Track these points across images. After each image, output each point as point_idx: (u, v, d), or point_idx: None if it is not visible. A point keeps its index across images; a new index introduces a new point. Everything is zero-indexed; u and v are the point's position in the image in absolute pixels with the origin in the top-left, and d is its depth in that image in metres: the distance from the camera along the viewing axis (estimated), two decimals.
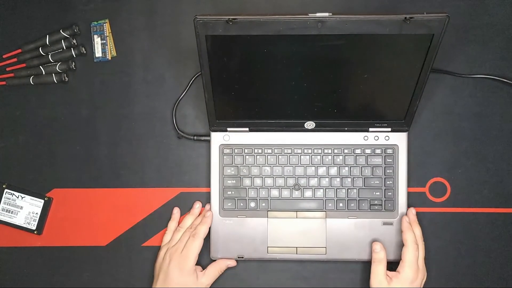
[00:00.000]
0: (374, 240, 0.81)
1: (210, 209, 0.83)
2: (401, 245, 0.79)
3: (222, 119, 0.81)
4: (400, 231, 0.80)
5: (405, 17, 0.64)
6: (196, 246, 0.79)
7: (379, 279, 0.77)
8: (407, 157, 0.83)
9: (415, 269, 0.77)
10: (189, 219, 0.84)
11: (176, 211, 0.85)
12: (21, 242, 0.86)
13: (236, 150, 0.83)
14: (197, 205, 0.85)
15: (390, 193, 0.82)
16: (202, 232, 0.80)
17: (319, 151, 0.83)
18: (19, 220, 0.85)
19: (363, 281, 0.84)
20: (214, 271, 0.82)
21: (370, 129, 0.82)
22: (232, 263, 0.83)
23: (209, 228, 0.82)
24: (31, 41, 0.87)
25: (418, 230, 0.80)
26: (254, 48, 0.69)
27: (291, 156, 0.83)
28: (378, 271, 0.78)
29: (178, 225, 0.84)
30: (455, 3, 0.86)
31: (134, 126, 0.87)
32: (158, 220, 0.85)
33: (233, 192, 0.83)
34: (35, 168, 0.87)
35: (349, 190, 0.82)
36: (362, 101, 0.78)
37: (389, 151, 0.83)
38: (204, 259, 0.84)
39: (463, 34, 0.86)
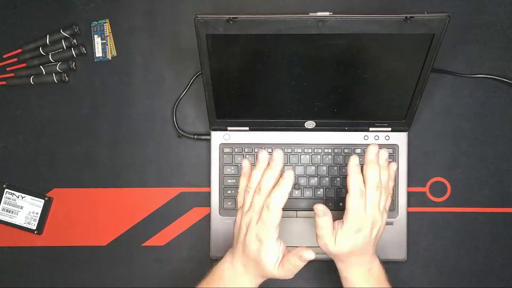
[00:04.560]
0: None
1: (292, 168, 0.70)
2: (401, 245, 0.80)
3: (222, 118, 0.81)
4: (400, 230, 0.80)
5: (406, 17, 0.64)
6: (272, 220, 0.64)
7: (326, 232, 0.69)
8: (407, 157, 0.83)
9: (359, 216, 0.67)
10: (255, 175, 0.68)
11: (245, 165, 0.71)
12: (21, 242, 0.85)
13: (236, 149, 0.83)
14: (262, 155, 0.68)
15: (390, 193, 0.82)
16: (277, 201, 0.64)
17: (319, 150, 0.83)
18: (19, 220, 0.85)
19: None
20: (289, 267, 0.67)
21: (370, 129, 0.82)
22: (308, 255, 0.65)
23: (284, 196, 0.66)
24: (31, 41, 0.87)
25: (382, 175, 0.70)
26: (254, 47, 0.69)
27: (291, 156, 0.83)
28: (324, 223, 0.69)
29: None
30: (455, 3, 0.86)
31: (134, 126, 0.87)
32: (158, 220, 0.85)
33: (233, 192, 0.83)
34: (35, 168, 0.87)
35: None
36: (362, 101, 0.78)
37: (389, 150, 0.82)
38: (204, 259, 0.84)
39: (463, 34, 0.86)
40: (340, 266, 0.72)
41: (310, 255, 0.65)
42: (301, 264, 0.66)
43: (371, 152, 0.70)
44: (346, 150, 0.83)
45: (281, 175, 0.67)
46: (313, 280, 0.84)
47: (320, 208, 0.69)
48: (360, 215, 0.68)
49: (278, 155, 0.67)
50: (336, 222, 0.70)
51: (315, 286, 0.84)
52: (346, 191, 0.69)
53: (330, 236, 0.69)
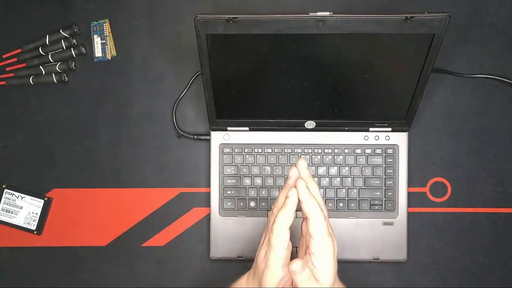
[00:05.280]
0: (374, 240, 0.81)
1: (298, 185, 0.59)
2: (401, 245, 0.79)
3: (222, 118, 0.81)
4: (400, 231, 0.80)
5: (406, 17, 0.64)
6: (276, 243, 0.60)
7: (310, 282, 0.60)
8: (408, 157, 0.83)
9: (329, 255, 0.60)
10: (282, 196, 0.62)
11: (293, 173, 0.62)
12: (21, 242, 0.85)
13: (236, 150, 0.83)
14: (293, 173, 0.61)
15: (391, 193, 0.82)
16: (279, 222, 0.59)
17: (319, 150, 0.83)
18: (19, 220, 0.85)
19: (363, 281, 0.84)
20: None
21: (371, 129, 0.82)
22: (292, 267, 0.59)
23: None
24: (31, 41, 0.87)
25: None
26: (254, 47, 0.69)
27: (291, 156, 0.83)
28: (304, 277, 0.60)
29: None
30: (455, 3, 0.86)
31: (134, 126, 0.87)
32: (158, 220, 0.85)
33: (233, 192, 0.83)
34: (35, 168, 0.86)
35: (349, 190, 0.82)
36: (363, 101, 0.78)
37: (390, 151, 0.82)
38: (204, 259, 0.84)
39: (463, 33, 0.86)
40: None
41: (294, 267, 0.59)
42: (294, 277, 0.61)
43: (304, 167, 0.61)
44: (346, 150, 0.83)
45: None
46: None
47: (297, 266, 0.59)
48: (330, 254, 0.60)
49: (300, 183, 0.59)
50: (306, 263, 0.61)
51: None
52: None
53: (314, 283, 0.61)
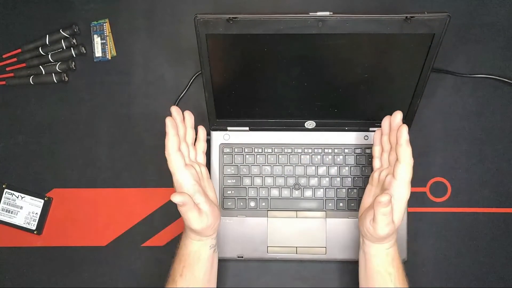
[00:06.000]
0: None
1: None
2: (401, 245, 0.79)
3: (222, 118, 0.81)
4: (400, 231, 0.80)
5: (406, 17, 0.64)
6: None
7: (387, 221, 0.67)
8: None
9: (405, 204, 0.69)
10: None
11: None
12: (21, 242, 0.85)
13: (236, 150, 0.83)
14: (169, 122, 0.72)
15: None
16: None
17: (319, 150, 0.83)
18: (19, 220, 0.85)
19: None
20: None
21: (371, 129, 0.82)
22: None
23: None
24: (31, 41, 0.87)
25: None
26: (254, 47, 0.69)
27: (291, 156, 0.83)
28: (387, 211, 0.67)
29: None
30: (455, 3, 0.86)
31: (134, 126, 0.87)
32: (158, 220, 0.85)
33: (233, 192, 0.83)
34: (35, 168, 0.87)
35: (349, 189, 0.82)
36: (363, 101, 0.78)
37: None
38: None
39: (463, 33, 0.86)
40: (369, 242, 0.72)
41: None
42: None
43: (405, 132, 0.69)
44: (346, 150, 0.83)
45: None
46: (313, 280, 0.84)
47: (385, 198, 0.65)
48: (405, 199, 0.69)
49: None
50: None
51: (315, 286, 0.84)
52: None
53: (391, 222, 0.68)
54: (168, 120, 0.71)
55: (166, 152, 0.71)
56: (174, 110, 0.73)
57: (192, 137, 0.76)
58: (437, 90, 0.85)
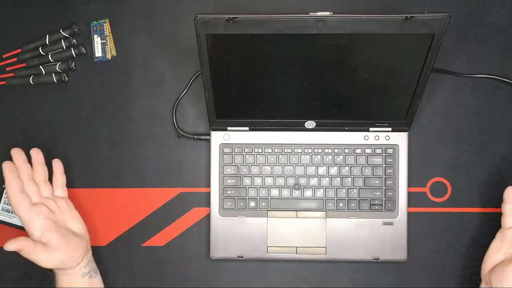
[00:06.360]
0: (374, 240, 0.81)
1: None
2: (401, 245, 0.79)
3: (222, 118, 0.81)
4: (400, 231, 0.80)
5: (406, 17, 0.64)
6: None
7: None
8: (408, 157, 0.83)
9: None
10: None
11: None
12: None
13: (236, 150, 0.83)
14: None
15: (391, 193, 0.82)
16: None
17: (320, 150, 0.83)
18: (19, 220, 0.85)
19: (363, 281, 0.84)
20: None
21: (371, 129, 0.82)
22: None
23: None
24: (31, 41, 0.87)
25: None
26: (254, 47, 0.69)
27: (291, 156, 0.83)
28: None
29: None
30: (455, 3, 0.86)
31: (134, 126, 0.87)
32: (158, 220, 0.85)
33: (233, 192, 0.83)
34: None
35: (349, 189, 0.82)
36: (363, 101, 0.78)
37: (390, 151, 0.82)
38: (204, 259, 0.84)
39: (463, 33, 0.86)
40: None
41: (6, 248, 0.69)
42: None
43: None
44: (346, 150, 0.83)
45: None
46: (313, 280, 0.84)
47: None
48: None
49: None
50: None
51: (315, 286, 0.84)
52: None
53: None
54: (4, 165, 0.72)
55: (7, 197, 0.72)
56: (15, 152, 0.74)
57: (42, 174, 0.77)
58: (437, 90, 0.85)
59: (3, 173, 0.71)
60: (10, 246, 0.68)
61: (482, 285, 0.74)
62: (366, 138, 0.83)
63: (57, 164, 0.79)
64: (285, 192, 0.82)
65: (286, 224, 0.82)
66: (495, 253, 0.74)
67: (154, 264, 0.85)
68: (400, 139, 0.83)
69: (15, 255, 0.72)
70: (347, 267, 0.83)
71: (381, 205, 0.82)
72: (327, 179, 0.83)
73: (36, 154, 0.76)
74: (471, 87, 0.86)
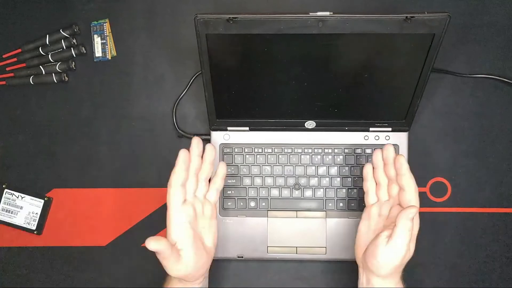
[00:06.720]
0: None
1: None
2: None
3: (222, 118, 0.81)
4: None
5: (406, 17, 0.64)
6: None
7: (407, 241, 0.66)
8: (408, 157, 0.83)
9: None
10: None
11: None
12: (21, 242, 0.85)
13: (236, 150, 0.83)
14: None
15: None
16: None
17: (320, 150, 0.83)
18: (19, 220, 0.85)
19: None
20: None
21: (371, 129, 0.82)
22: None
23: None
24: (31, 41, 0.87)
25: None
26: (254, 47, 0.69)
27: (291, 156, 0.83)
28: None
29: None
30: (455, 3, 0.86)
31: (134, 126, 0.87)
32: (158, 220, 0.85)
33: (233, 192, 0.83)
34: (35, 168, 0.86)
35: (349, 189, 0.82)
36: (363, 101, 0.78)
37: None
38: None
39: (463, 33, 0.86)
40: (376, 280, 0.69)
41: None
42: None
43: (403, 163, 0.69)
44: (346, 150, 0.83)
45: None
46: (313, 280, 0.84)
47: (414, 210, 0.66)
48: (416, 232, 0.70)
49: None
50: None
51: (315, 286, 0.84)
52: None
53: (408, 245, 0.67)
54: (181, 153, 0.68)
55: (168, 183, 0.69)
56: (195, 142, 0.70)
57: (207, 173, 0.73)
58: (437, 90, 0.85)
59: (177, 159, 0.68)
60: (152, 245, 0.63)
61: (360, 271, 0.72)
62: (366, 138, 0.83)
63: (223, 168, 0.74)
64: (285, 192, 0.82)
65: (286, 224, 0.82)
66: (365, 233, 0.72)
67: (154, 264, 0.85)
68: (400, 139, 0.83)
69: None
70: (347, 267, 0.83)
71: None
72: (327, 179, 0.83)
73: (211, 151, 0.72)
74: (471, 87, 0.86)
